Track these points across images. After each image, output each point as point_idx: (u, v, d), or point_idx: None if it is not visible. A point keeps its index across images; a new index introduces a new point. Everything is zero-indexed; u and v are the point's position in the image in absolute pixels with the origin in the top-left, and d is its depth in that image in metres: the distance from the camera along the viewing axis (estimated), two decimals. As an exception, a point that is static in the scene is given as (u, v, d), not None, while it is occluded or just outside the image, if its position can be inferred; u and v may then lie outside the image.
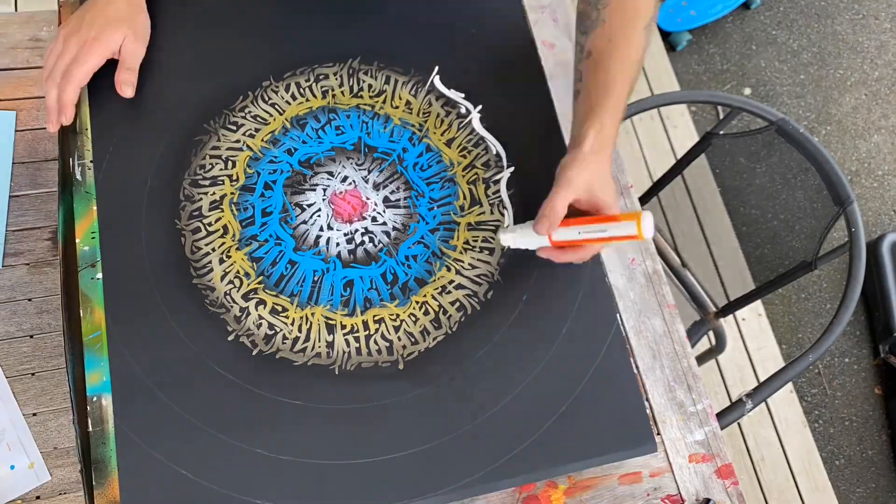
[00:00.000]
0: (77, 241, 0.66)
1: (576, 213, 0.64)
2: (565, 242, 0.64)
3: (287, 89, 0.75)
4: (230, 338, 0.64)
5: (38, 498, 0.63)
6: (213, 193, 0.69)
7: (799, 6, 2.21)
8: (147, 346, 0.63)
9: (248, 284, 0.67)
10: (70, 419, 0.65)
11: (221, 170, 0.70)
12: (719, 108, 2.01)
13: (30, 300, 0.69)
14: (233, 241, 0.68)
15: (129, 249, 0.66)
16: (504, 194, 0.74)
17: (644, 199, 1.26)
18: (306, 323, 0.66)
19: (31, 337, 0.68)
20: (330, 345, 0.65)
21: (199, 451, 0.60)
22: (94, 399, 0.62)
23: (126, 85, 0.70)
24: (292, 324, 0.66)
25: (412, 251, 0.70)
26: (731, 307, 1.19)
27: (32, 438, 0.64)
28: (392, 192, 0.72)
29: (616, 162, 0.86)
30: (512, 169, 0.75)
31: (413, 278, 0.69)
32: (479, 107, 0.77)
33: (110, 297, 0.64)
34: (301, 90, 0.75)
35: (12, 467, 0.63)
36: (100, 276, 0.65)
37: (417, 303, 0.68)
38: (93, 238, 0.66)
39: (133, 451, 0.60)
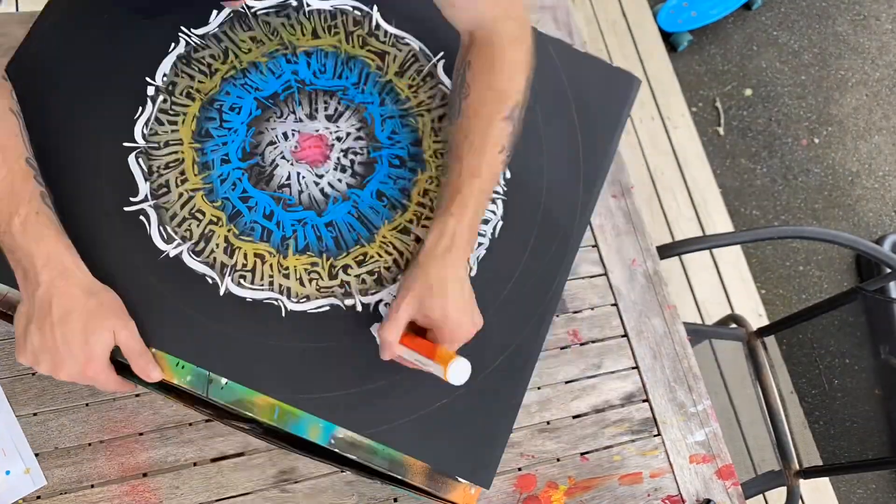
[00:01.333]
0: None
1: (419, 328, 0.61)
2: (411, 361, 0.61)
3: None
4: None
5: (38, 498, 0.63)
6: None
7: (800, 7, 2.21)
8: None
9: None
10: (72, 418, 0.65)
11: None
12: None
13: (31, 300, 0.69)
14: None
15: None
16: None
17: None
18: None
19: (32, 336, 0.67)
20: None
21: None
22: None
23: (150, 370, 0.59)
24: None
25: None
26: (812, 473, 1.15)
27: (27, 443, 0.64)
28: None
29: (617, 162, 0.86)
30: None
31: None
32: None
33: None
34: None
35: (7, 473, 0.63)
36: None
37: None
38: None
39: None
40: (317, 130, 0.71)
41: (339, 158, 0.70)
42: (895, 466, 1.00)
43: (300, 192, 0.69)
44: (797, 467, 1.16)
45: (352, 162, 0.70)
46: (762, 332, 1.26)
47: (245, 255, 0.65)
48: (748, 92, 2.06)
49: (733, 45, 2.11)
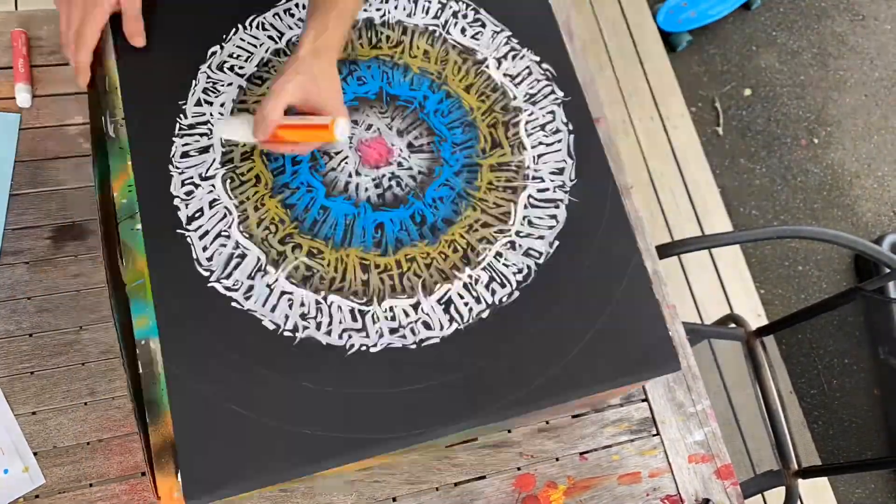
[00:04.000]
0: (115, 194, 0.67)
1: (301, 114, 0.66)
2: (274, 138, 0.65)
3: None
4: (270, 281, 0.66)
5: (37, 497, 0.63)
6: (244, 145, 0.71)
7: (799, 7, 2.21)
8: (188, 288, 0.65)
9: (284, 229, 0.68)
10: (70, 417, 0.65)
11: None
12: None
13: (29, 299, 0.69)
14: (266, 189, 0.70)
15: (165, 198, 0.67)
16: (524, 136, 0.76)
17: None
18: (342, 263, 0.68)
19: (31, 335, 0.68)
20: (365, 283, 0.68)
21: (246, 386, 0.62)
22: (143, 342, 0.62)
23: (135, 36, 0.69)
24: (328, 265, 0.68)
25: (438, 193, 0.72)
26: (811, 473, 1.15)
27: (26, 442, 0.64)
28: (416, 138, 0.74)
29: (616, 162, 0.86)
30: (530, 112, 0.77)
31: (441, 218, 0.72)
32: (497, 53, 0.79)
33: (151, 245, 0.65)
34: None
35: (6, 471, 0.63)
36: (139, 226, 0.66)
37: (446, 241, 0.71)
38: (130, 191, 0.67)
39: (183, 388, 0.61)
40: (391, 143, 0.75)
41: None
42: (894, 466, 1.00)
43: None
44: (796, 467, 1.16)
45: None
46: (761, 332, 1.26)
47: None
48: (747, 92, 2.06)
49: (733, 45, 2.11)
